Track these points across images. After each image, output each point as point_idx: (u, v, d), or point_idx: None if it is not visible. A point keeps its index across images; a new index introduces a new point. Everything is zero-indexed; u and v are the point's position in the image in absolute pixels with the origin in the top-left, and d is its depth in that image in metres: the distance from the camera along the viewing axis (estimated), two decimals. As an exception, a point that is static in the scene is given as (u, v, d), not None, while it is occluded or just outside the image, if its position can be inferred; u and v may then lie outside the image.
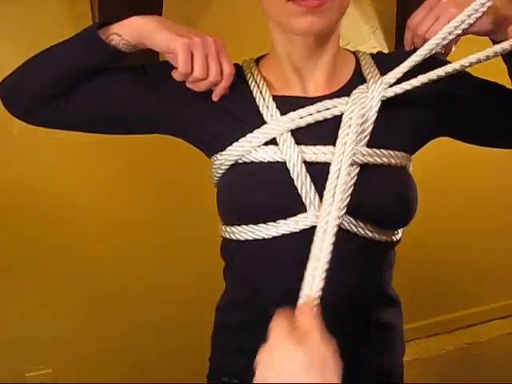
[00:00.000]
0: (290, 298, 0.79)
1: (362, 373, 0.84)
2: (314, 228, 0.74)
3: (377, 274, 0.82)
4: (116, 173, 1.48)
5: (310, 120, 0.77)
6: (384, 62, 0.81)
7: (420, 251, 1.93)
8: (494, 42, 0.78)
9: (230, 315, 0.88)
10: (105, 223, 1.51)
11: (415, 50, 0.81)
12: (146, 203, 1.54)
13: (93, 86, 0.81)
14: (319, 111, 0.77)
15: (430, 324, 2.03)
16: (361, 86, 0.78)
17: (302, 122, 0.77)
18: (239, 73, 0.83)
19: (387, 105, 0.77)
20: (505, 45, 0.72)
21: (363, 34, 1.63)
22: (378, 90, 0.76)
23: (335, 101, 0.77)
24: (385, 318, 0.85)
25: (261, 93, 0.80)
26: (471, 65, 0.73)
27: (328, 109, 0.77)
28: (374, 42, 1.65)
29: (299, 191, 0.75)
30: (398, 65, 0.77)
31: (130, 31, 0.76)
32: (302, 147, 0.76)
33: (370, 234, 0.77)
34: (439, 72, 0.74)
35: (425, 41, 0.78)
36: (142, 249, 1.57)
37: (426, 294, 1.99)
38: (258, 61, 0.86)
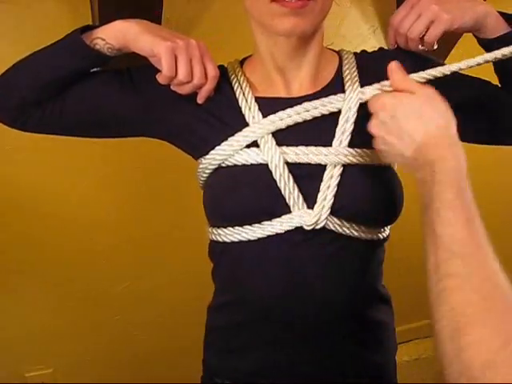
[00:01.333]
0: (276, 298, 0.79)
1: (354, 371, 0.84)
2: (298, 229, 0.76)
3: (365, 273, 0.83)
4: (111, 173, 1.49)
5: (290, 122, 0.77)
6: (366, 61, 0.82)
7: (421, 251, 1.93)
8: (477, 37, 0.80)
9: (220, 317, 0.89)
10: (104, 222, 1.51)
11: (398, 48, 0.82)
12: (142, 203, 1.54)
13: (79, 90, 0.81)
14: (298, 113, 0.77)
15: (429, 324, 2.03)
16: (339, 95, 0.78)
17: (282, 124, 0.77)
18: (224, 74, 0.83)
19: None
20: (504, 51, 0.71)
21: (363, 34, 1.62)
22: (355, 91, 0.77)
23: (314, 102, 0.78)
24: (376, 316, 0.85)
25: (244, 94, 0.80)
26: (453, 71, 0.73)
27: (307, 111, 0.77)
28: (374, 41, 1.65)
29: (282, 192, 0.75)
30: (378, 64, 0.77)
31: (114, 35, 0.76)
32: (284, 148, 0.76)
33: (355, 233, 0.77)
34: (422, 74, 0.74)
35: (407, 39, 0.79)
36: (144, 249, 1.57)
37: (426, 294, 1.99)
38: (242, 62, 0.87)
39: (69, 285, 1.53)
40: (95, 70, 0.83)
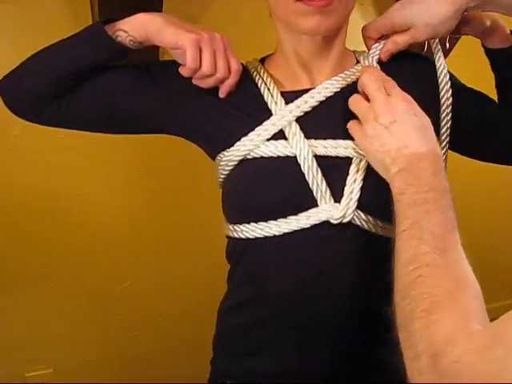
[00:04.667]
0: (299, 293, 0.78)
1: (374, 371, 0.83)
2: (324, 223, 0.75)
3: (387, 271, 0.81)
4: (113, 174, 1.49)
5: (314, 102, 0.77)
6: (394, 58, 0.81)
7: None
8: (484, 47, 0.81)
9: (237, 317, 0.86)
10: (104, 222, 1.51)
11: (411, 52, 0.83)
12: (142, 204, 1.54)
13: (95, 84, 0.80)
14: (319, 92, 0.77)
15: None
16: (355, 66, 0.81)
17: (307, 107, 0.77)
18: (245, 72, 0.82)
19: None
20: None
21: (363, 34, 1.62)
22: (372, 61, 0.79)
23: (334, 78, 0.79)
24: (395, 318, 0.84)
25: (268, 90, 0.79)
26: None
27: (326, 88, 0.78)
28: (373, 41, 1.65)
29: (310, 186, 0.74)
30: (394, 65, 0.79)
31: (136, 27, 0.75)
32: (312, 141, 0.76)
33: (379, 231, 0.76)
34: None
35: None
36: (144, 248, 1.57)
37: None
38: (262, 61, 0.86)
39: (69, 285, 1.53)
40: (112, 64, 0.81)
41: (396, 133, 0.66)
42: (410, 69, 0.81)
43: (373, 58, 0.80)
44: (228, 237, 0.84)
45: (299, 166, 0.75)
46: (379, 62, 0.80)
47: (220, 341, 0.90)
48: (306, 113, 0.77)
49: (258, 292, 0.82)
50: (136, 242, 1.56)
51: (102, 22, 0.76)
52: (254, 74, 0.82)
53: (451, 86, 0.80)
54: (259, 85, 0.81)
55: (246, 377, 0.85)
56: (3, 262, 1.44)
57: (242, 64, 0.84)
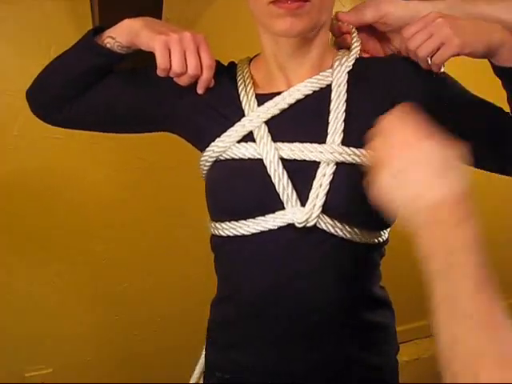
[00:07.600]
0: (270, 293, 0.79)
1: (351, 373, 0.84)
2: (291, 226, 0.76)
3: (358, 275, 0.82)
4: (117, 173, 1.49)
5: (284, 105, 0.78)
6: (369, 63, 0.82)
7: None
8: (492, 64, 0.77)
9: (218, 312, 0.90)
10: (104, 223, 1.51)
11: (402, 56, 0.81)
12: (142, 203, 1.54)
13: (100, 88, 0.85)
14: (290, 95, 0.78)
15: (429, 324, 2.03)
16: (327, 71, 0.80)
17: (276, 109, 0.78)
18: (232, 71, 0.85)
19: (362, 105, 0.78)
20: None
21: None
22: (343, 65, 0.78)
23: (306, 80, 0.79)
24: (370, 318, 0.84)
25: (245, 91, 0.81)
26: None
27: (298, 90, 0.78)
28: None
29: (276, 188, 0.76)
30: (388, 68, 0.79)
31: (121, 33, 0.80)
32: (279, 144, 0.77)
33: (348, 235, 0.76)
34: None
35: (416, 56, 0.76)
36: (144, 248, 1.57)
37: (427, 294, 1.99)
38: (252, 60, 0.88)
39: (68, 285, 1.53)
40: (120, 67, 0.86)
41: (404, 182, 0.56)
42: (383, 71, 0.80)
43: (346, 65, 0.79)
44: (211, 233, 0.87)
45: (266, 168, 0.76)
46: (351, 68, 0.79)
47: (209, 333, 0.94)
48: (277, 115, 0.79)
49: (233, 289, 0.85)
50: (135, 242, 1.56)
51: (92, 32, 0.81)
52: (239, 73, 0.84)
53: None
54: (239, 85, 0.83)
55: (230, 368, 0.87)
56: (2, 261, 1.44)
57: (232, 63, 0.86)
